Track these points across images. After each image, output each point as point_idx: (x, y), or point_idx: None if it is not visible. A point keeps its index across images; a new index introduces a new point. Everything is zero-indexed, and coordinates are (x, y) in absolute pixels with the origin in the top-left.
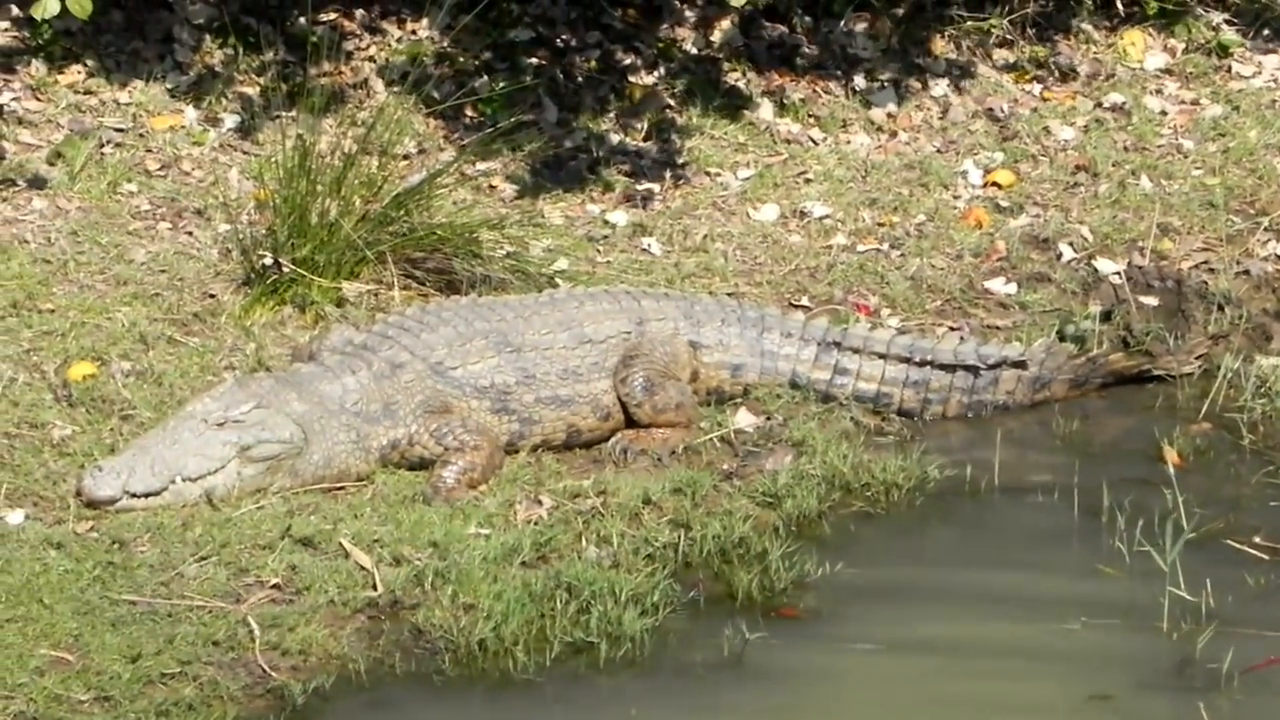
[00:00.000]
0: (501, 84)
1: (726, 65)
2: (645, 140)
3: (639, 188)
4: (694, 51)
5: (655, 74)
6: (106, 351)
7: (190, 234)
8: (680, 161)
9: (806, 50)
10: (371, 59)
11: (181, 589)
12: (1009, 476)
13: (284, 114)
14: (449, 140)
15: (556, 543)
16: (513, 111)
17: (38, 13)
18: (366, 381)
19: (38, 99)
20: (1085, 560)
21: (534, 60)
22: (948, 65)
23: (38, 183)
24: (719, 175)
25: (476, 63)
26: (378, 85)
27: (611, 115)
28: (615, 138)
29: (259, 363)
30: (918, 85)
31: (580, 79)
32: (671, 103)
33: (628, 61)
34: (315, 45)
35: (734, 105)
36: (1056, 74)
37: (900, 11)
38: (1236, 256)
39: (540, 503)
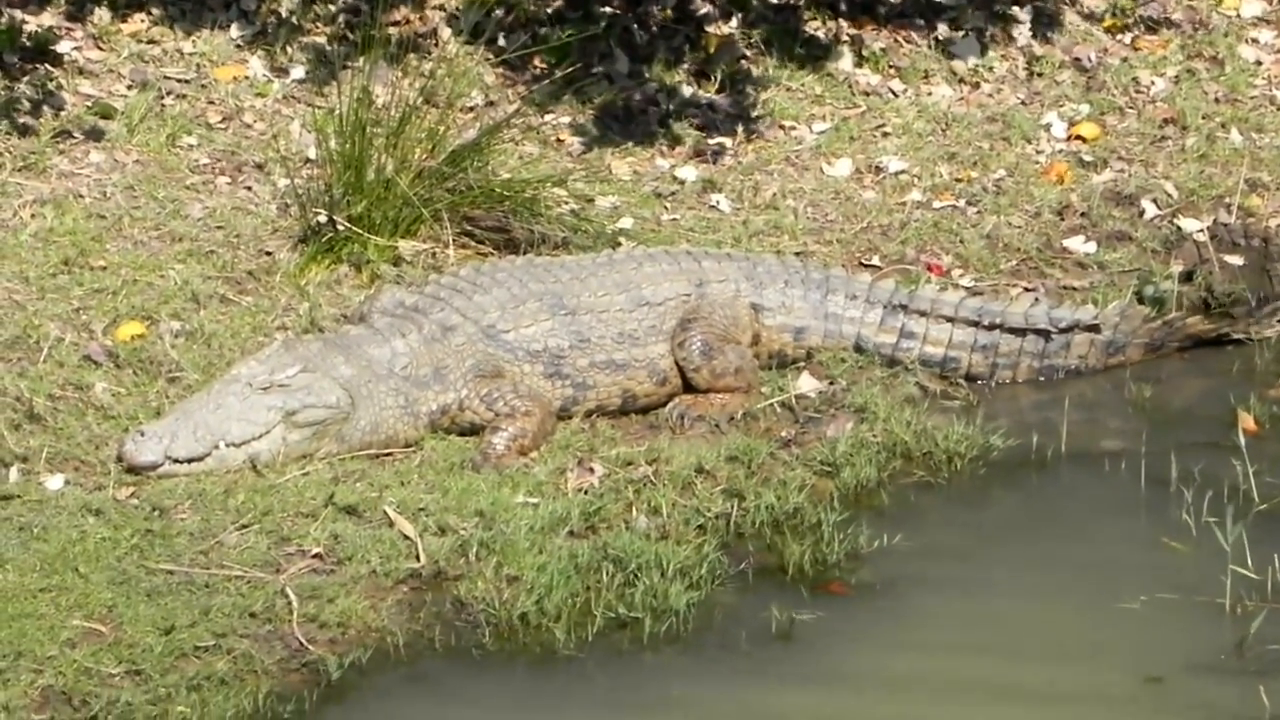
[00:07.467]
0: (569, 33)
1: (806, 14)
2: (719, 92)
3: (710, 142)
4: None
5: (732, 23)
6: (156, 311)
7: (249, 189)
8: (754, 114)
9: None
10: (441, 7)
11: (221, 558)
12: (1076, 444)
13: (349, 64)
14: (515, 92)
15: (606, 512)
16: (577, 61)
17: None
18: (416, 345)
19: (99, 48)
20: (1150, 533)
21: (607, 9)
22: (1035, 13)
23: (95, 135)
24: (794, 129)
25: (549, 11)
26: (446, 34)
27: (685, 66)
28: (688, 90)
29: (312, 323)
30: (1002, 34)
31: (654, 28)
32: (748, 53)
33: (704, 11)
34: None
35: (813, 55)
36: (1147, 23)
37: None
38: None
39: (592, 471)
